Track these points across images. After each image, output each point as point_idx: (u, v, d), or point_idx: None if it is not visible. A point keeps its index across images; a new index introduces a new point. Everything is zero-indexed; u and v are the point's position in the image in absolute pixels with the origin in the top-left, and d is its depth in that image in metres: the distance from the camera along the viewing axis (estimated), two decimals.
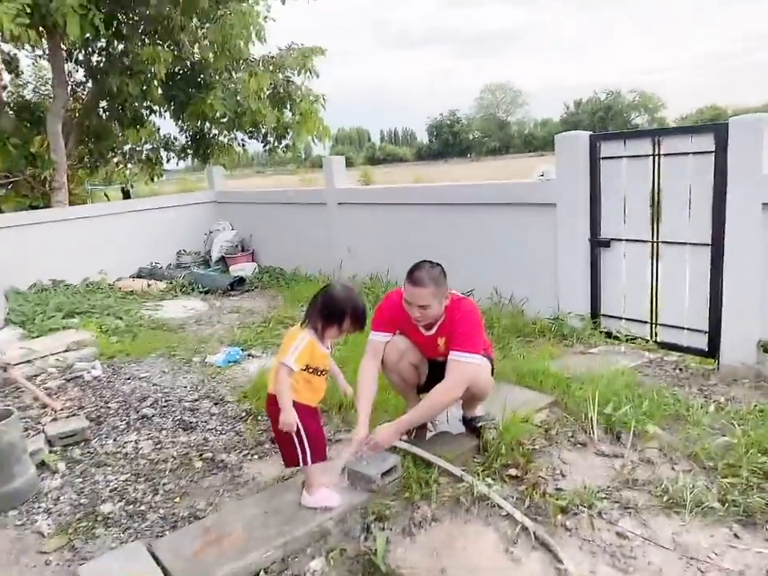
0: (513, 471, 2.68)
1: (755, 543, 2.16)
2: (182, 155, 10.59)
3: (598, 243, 4.56)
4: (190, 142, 10.37)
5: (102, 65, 9.17)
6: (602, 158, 4.45)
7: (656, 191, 4.27)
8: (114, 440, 3.43)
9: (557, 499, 2.43)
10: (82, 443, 3.38)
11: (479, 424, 3.00)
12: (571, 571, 2.03)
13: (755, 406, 3.18)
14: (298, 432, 2.38)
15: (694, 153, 3.96)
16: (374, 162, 70.82)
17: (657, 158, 4.17)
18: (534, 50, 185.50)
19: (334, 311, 2.42)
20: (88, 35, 7.50)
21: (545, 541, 2.20)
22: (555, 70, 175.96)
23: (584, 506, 2.37)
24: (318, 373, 2.46)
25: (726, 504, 2.33)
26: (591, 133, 4.61)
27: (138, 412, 3.77)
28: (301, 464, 2.46)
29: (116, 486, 2.93)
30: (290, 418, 2.33)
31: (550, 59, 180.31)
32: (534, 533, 2.24)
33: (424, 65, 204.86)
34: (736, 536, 2.20)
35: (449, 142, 79.80)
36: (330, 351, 2.52)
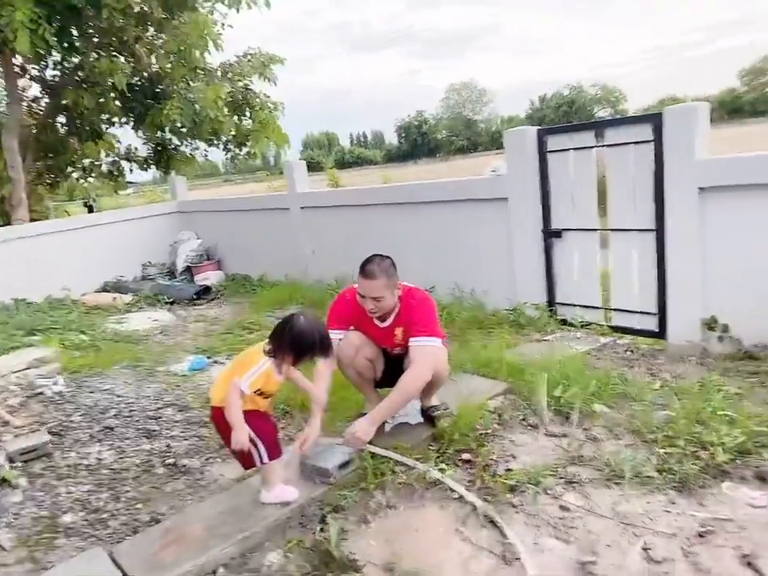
0: (466, 456, 2.77)
1: (689, 507, 2.28)
2: (145, 166, 10.53)
3: (549, 234, 4.70)
4: (151, 153, 10.33)
5: (57, 79, 9.09)
6: (550, 152, 4.59)
7: (601, 179, 4.43)
8: (77, 452, 3.43)
9: (506, 479, 2.53)
10: (44, 458, 3.38)
11: (435, 413, 3.09)
12: (516, 545, 2.13)
13: (698, 381, 3.33)
14: (250, 437, 2.42)
15: (635, 143, 4.12)
16: (344, 166, 70.80)
17: (600, 148, 4.33)
18: (497, 50, 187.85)
19: (302, 347, 2.46)
20: (40, 50, 7.44)
21: (493, 518, 2.29)
22: (519, 68, 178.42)
23: (531, 484, 2.47)
24: (265, 396, 2.51)
25: (664, 473, 2.46)
26: (538, 127, 4.76)
27: (100, 424, 3.77)
28: (258, 464, 2.51)
29: (78, 496, 2.95)
30: (243, 437, 2.36)
31: (513, 57, 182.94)
32: (483, 512, 2.33)
33: (388, 67, 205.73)
34: (672, 502, 2.32)
35: (417, 143, 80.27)
36: (282, 378, 2.54)
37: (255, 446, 2.44)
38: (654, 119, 3.99)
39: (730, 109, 63.33)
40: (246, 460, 2.53)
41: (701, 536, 2.12)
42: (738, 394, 3.11)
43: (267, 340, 2.52)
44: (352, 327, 3.09)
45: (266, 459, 2.49)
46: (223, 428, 2.46)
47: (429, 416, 3.12)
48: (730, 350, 3.78)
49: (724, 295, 3.80)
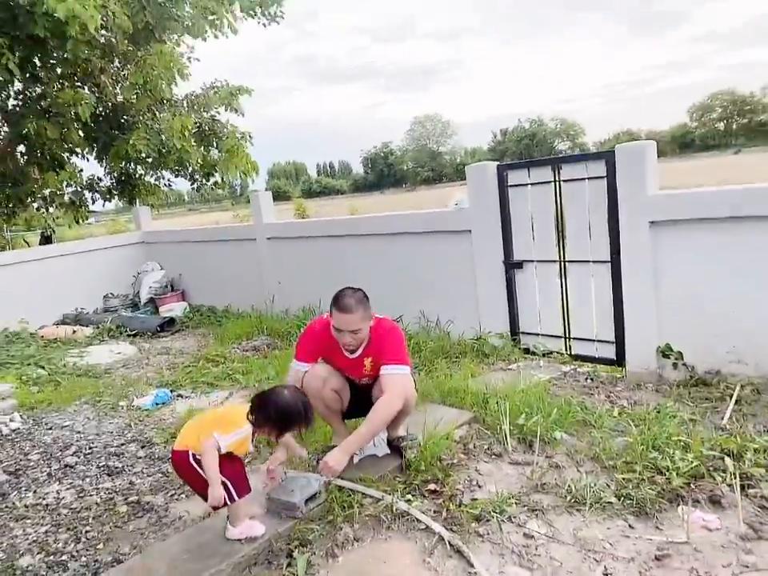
0: (432, 486, 2.80)
1: (646, 532, 2.36)
2: (108, 197, 10.41)
3: (511, 265, 4.84)
4: (115, 183, 10.23)
5: (18, 108, 8.98)
6: (510, 186, 4.76)
7: (559, 213, 4.60)
8: (34, 492, 3.33)
9: (471, 508, 2.57)
10: (0, 498, 3.27)
11: (402, 444, 3.12)
12: (481, 573, 2.16)
13: (654, 407, 3.46)
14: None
15: (590, 178, 4.32)
16: (311, 195, 71.20)
17: (557, 183, 4.52)
18: (459, 83, 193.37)
19: (288, 421, 2.50)
20: (1, 78, 7.37)
21: (459, 548, 2.33)
22: (480, 101, 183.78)
23: (495, 513, 2.52)
24: (231, 455, 2.50)
25: (622, 498, 2.54)
26: (498, 163, 4.93)
27: (60, 462, 3.67)
28: (228, 503, 2.49)
29: (36, 538, 2.86)
30: (219, 493, 2.36)
31: (475, 91, 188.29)
32: (449, 542, 2.36)
33: (354, 99, 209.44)
34: (630, 526, 2.40)
35: (384, 174, 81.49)
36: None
37: (225, 486, 2.42)
38: (607, 156, 4.19)
39: (681, 143, 66.48)
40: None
41: (658, 559, 2.19)
42: (692, 420, 3.24)
43: (250, 410, 2.51)
44: (320, 359, 3.12)
45: (235, 497, 2.47)
46: (185, 472, 2.46)
47: (396, 447, 3.15)
48: (684, 376, 3.93)
49: (677, 324, 3.97)
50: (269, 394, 2.55)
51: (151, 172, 9.94)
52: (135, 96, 8.74)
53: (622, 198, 4.09)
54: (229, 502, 2.46)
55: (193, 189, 10.47)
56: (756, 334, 3.67)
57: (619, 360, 4.33)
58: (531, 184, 4.64)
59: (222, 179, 10.05)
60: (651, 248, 3.99)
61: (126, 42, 8.05)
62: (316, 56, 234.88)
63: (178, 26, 8.53)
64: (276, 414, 2.47)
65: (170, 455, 2.54)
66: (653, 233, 3.97)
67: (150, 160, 9.31)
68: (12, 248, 11.31)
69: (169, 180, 10.35)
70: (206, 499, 2.47)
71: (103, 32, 7.81)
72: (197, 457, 2.40)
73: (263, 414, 2.48)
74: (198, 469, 2.40)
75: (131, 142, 8.50)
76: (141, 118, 9.02)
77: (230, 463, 2.46)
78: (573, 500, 2.58)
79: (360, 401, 3.11)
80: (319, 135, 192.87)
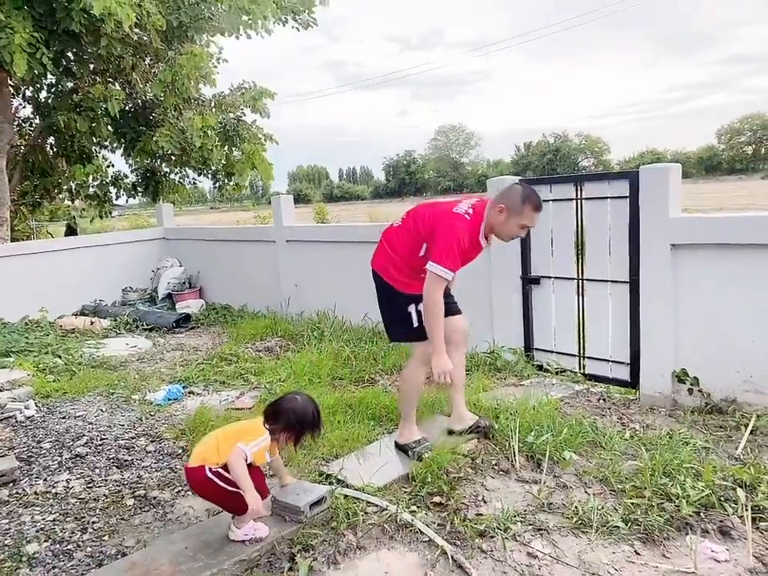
0: (437, 499, 2.79)
1: (653, 559, 2.33)
2: (132, 193, 10.58)
3: (528, 281, 4.81)
4: (140, 180, 10.39)
5: (50, 101, 9.18)
6: None
7: (580, 231, 4.57)
8: (45, 480, 3.37)
9: (476, 524, 2.55)
10: (11, 484, 3.32)
11: (415, 449, 3.16)
12: None
13: (667, 432, 3.41)
14: (234, 484, 2.42)
15: (612, 197, 4.29)
16: (332, 200, 71.61)
17: (579, 201, 4.50)
18: (485, 95, 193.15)
19: (305, 426, 2.56)
20: (37, 73, 7.54)
21: (461, 563, 2.31)
22: (505, 113, 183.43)
23: (500, 529, 2.50)
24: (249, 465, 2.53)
25: (630, 523, 2.51)
26: (520, 177, 4.92)
27: (71, 451, 3.72)
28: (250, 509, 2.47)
29: (43, 525, 2.90)
30: (258, 503, 2.38)
31: (500, 103, 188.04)
32: (452, 556, 2.35)
33: (380, 106, 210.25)
34: (636, 552, 2.36)
35: (405, 181, 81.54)
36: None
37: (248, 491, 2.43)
38: (631, 176, 4.16)
39: (708, 165, 65.67)
40: (237, 506, 2.47)
41: None
42: (705, 448, 3.19)
43: (264, 418, 2.57)
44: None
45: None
46: (203, 487, 2.48)
47: (407, 451, 3.19)
48: (699, 403, 3.87)
49: (694, 348, 3.92)
50: (285, 400, 2.60)
51: (175, 170, 10.08)
52: (163, 94, 8.90)
53: (643, 219, 4.05)
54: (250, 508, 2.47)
55: (214, 188, 10.59)
56: None
57: (633, 382, 4.28)
58: (552, 200, 4.63)
59: (237, 184, 10.17)
60: (671, 271, 3.94)
61: (159, 40, 8.20)
62: (345, 62, 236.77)
63: (211, 26, 8.67)
64: (295, 417, 2.52)
65: (185, 474, 2.55)
66: (673, 256, 3.93)
67: (173, 157, 9.45)
68: (36, 238, 11.51)
69: (194, 179, 10.48)
70: (230, 511, 2.52)
71: (137, 30, 7.97)
72: (213, 470, 2.42)
73: (284, 418, 2.53)
74: (218, 481, 2.43)
75: (155, 138, 8.64)
76: (167, 115, 9.17)
77: (251, 472, 2.49)
78: (579, 522, 2.55)
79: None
80: (344, 141, 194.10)
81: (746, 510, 2.49)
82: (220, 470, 2.43)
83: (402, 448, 3.27)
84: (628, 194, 4.15)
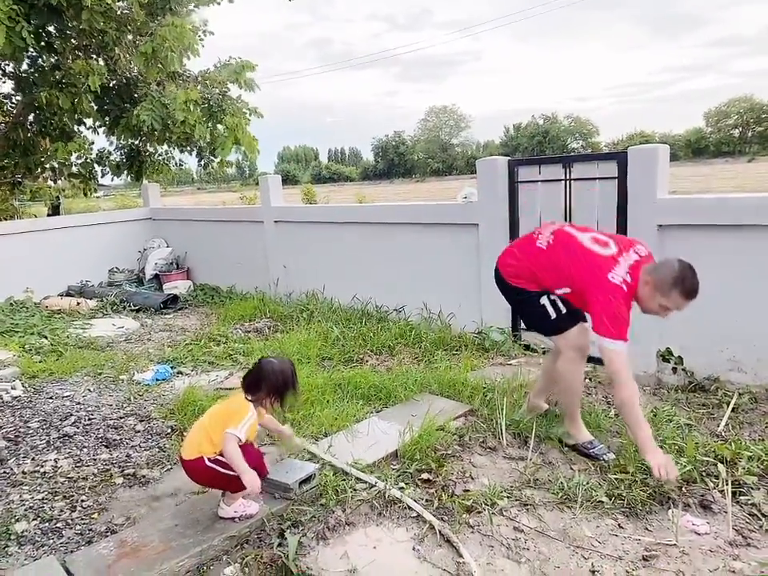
0: (425, 476, 2.83)
1: (635, 532, 2.38)
2: (117, 171, 10.40)
3: None
4: (124, 159, 10.21)
5: (32, 78, 8.95)
6: (520, 182, 4.74)
7: (568, 212, 4.59)
8: (33, 459, 3.37)
9: (463, 500, 2.59)
10: None
11: (593, 450, 2.99)
12: (470, 564, 2.18)
13: (651, 410, 3.46)
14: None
15: (600, 178, 4.30)
16: (320, 181, 71.07)
17: (568, 182, 4.50)
18: (474, 76, 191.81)
19: (286, 385, 2.56)
20: (17, 46, 7.34)
21: (449, 538, 2.35)
22: (495, 95, 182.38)
23: (487, 505, 2.54)
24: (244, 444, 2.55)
25: (613, 498, 2.56)
26: (509, 158, 4.92)
27: (59, 431, 3.71)
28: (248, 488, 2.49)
29: (32, 504, 2.90)
30: (254, 481, 2.41)
31: (490, 85, 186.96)
32: (440, 531, 2.39)
33: (369, 86, 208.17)
34: (619, 526, 2.42)
35: (394, 163, 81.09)
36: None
37: (247, 471, 2.45)
38: (619, 157, 4.17)
39: (695, 148, 65.91)
40: (236, 487, 2.49)
41: (645, 560, 2.21)
42: (688, 425, 3.25)
43: (245, 390, 2.58)
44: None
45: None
46: (204, 477, 2.52)
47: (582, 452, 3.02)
48: (683, 381, 3.94)
49: (679, 328, 3.95)
50: (261, 366, 2.60)
51: (158, 147, 9.88)
52: (145, 68, 8.67)
53: (631, 200, 4.07)
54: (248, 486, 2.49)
55: (200, 167, 10.43)
56: (756, 343, 3.67)
57: None
58: (541, 181, 4.63)
59: (222, 160, 9.96)
60: (658, 251, 3.94)
61: (144, 13, 7.99)
62: (332, 40, 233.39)
63: None
64: (276, 380, 2.54)
65: (183, 465, 2.55)
66: (660, 236, 3.96)
67: (155, 133, 9.24)
68: (20, 218, 11.31)
69: (180, 160, 10.31)
70: (232, 491, 2.53)
71: (120, 3, 7.77)
72: (212, 459, 2.45)
73: (265, 384, 2.53)
74: (218, 468, 2.45)
75: (136, 112, 8.46)
76: (149, 89, 8.96)
77: (247, 451, 2.51)
78: (564, 497, 2.60)
79: None
80: (332, 121, 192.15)
81: (727, 484, 2.55)
82: (219, 458, 2.46)
83: (574, 448, 3.05)
84: (616, 175, 4.16)
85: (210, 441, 2.48)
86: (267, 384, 2.54)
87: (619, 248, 2.83)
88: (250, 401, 2.55)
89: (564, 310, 2.96)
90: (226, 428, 2.45)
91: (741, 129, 66.34)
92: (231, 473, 2.45)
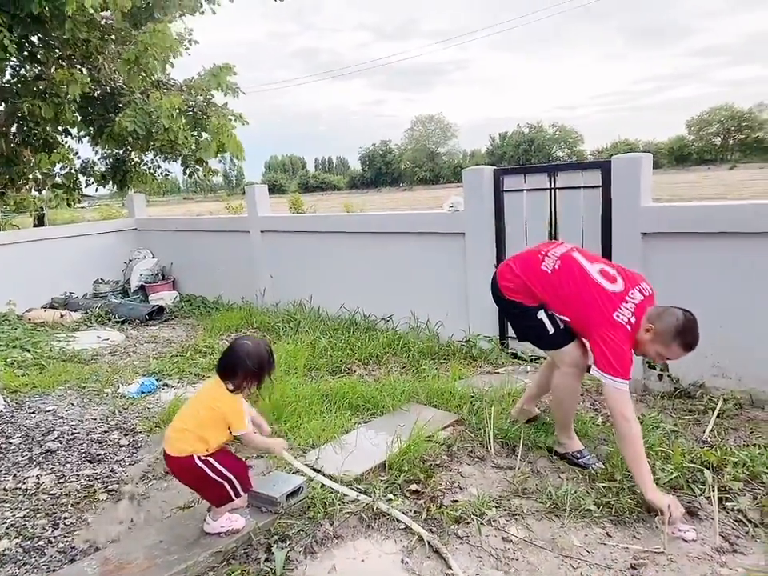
0: (414, 486, 2.81)
1: (624, 540, 2.38)
2: (101, 181, 10.32)
3: None
4: (108, 169, 10.14)
5: (14, 88, 8.88)
6: (506, 191, 4.77)
7: (554, 220, 4.62)
8: (14, 476, 3.30)
9: (452, 510, 2.58)
10: None
11: (583, 459, 2.99)
12: (459, 575, 2.17)
13: (638, 417, 3.47)
14: (222, 474, 2.41)
15: (585, 187, 4.34)
16: (308, 190, 71.16)
17: (553, 191, 4.54)
18: (461, 86, 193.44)
19: (263, 365, 2.48)
20: None
21: (438, 549, 2.34)
22: (481, 104, 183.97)
23: (475, 515, 2.53)
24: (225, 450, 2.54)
25: (601, 506, 2.56)
26: (495, 167, 4.95)
27: (41, 446, 3.65)
28: (234, 499, 2.46)
29: (13, 522, 2.84)
30: (278, 446, 2.61)
31: (477, 94, 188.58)
32: (428, 542, 2.37)
33: (355, 95, 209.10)
34: (608, 534, 2.42)
35: (381, 171, 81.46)
36: None
37: (230, 481, 2.42)
38: (603, 166, 4.22)
39: (678, 156, 66.91)
40: (217, 496, 2.46)
41: (633, 568, 2.21)
42: (674, 431, 3.27)
43: (221, 376, 2.49)
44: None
45: (240, 493, 2.47)
46: (190, 476, 2.45)
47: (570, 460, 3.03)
48: (669, 388, 3.96)
49: None
50: (236, 349, 2.49)
51: (143, 156, 9.82)
52: (127, 74, 8.62)
53: (615, 208, 4.11)
54: (234, 498, 2.46)
55: (186, 176, 10.37)
56: (740, 349, 3.70)
57: None
58: (527, 190, 4.66)
59: (207, 167, 9.90)
60: (642, 259, 4.01)
61: (126, 22, 7.96)
62: (319, 50, 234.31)
63: (174, 3, 8.44)
64: (252, 362, 2.44)
65: (168, 461, 2.46)
66: (644, 244, 4.00)
67: (139, 141, 9.17)
68: (3, 230, 11.18)
69: (166, 170, 10.25)
70: (209, 499, 2.49)
71: (104, 13, 7.74)
72: (203, 458, 2.39)
73: (242, 367, 2.44)
74: (206, 469, 2.39)
75: (118, 119, 8.40)
76: (133, 96, 8.91)
77: (232, 460, 2.48)
78: (552, 506, 2.59)
79: None
80: (319, 130, 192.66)
81: (713, 490, 2.56)
82: (209, 459, 2.40)
83: (564, 457, 3.05)
84: (600, 184, 4.21)
85: (202, 440, 2.40)
86: (243, 369, 2.44)
87: (626, 285, 2.78)
88: (232, 391, 2.45)
89: (562, 326, 2.94)
90: (229, 429, 2.42)
91: (722, 137, 67.50)
92: (216, 477, 2.40)
